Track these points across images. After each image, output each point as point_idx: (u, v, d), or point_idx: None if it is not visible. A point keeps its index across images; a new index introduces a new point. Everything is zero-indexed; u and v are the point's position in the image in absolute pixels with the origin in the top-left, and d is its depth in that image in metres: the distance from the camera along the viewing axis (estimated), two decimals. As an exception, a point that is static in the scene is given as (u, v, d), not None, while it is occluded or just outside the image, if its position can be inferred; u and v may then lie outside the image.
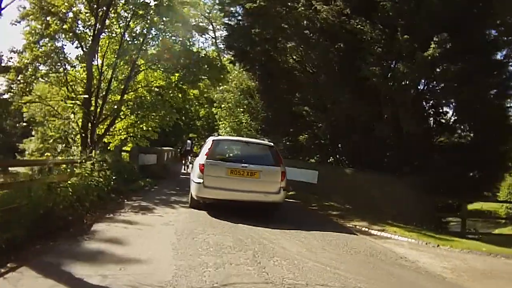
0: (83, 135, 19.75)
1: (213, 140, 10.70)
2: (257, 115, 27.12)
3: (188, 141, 29.14)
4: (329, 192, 16.99)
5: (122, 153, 20.96)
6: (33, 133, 34.19)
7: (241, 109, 29.00)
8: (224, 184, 9.82)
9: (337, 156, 20.32)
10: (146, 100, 22.53)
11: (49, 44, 21.16)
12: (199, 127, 49.01)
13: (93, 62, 20.86)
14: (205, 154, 10.20)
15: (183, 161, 28.10)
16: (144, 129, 23.69)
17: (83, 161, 11.17)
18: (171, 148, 34.05)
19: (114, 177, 12.83)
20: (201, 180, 9.92)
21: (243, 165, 9.96)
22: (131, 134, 24.03)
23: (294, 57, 19.18)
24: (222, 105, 31.70)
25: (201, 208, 10.41)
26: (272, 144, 11.13)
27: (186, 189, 13.32)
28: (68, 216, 8.11)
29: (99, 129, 21.83)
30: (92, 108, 20.49)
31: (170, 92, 23.38)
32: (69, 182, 9.47)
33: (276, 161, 10.35)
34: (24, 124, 42.82)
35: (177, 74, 22.47)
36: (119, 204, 11.32)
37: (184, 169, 26.45)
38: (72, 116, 21.12)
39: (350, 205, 15.46)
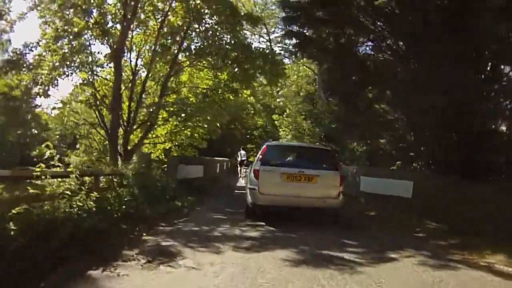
0: (113, 144, 16.31)
1: (267, 145, 10.47)
2: (320, 121, 26.19)
3: (242, 151, 27.12)
4: (429, 209, 11.67)
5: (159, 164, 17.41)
6: (77, 145, 32.37)
7: (303, 116, 27.28)
8: (281, 190, 9.32)
9: (428, 161, 15.61)
10: (190, 102, 18.60)
11: (74, 43, 17.84)
12: (256, 137, 45.83)
13: (123, 58, 17.74)
14: (260, 160, 9.80)
15: (239, 173, 26.09)
16: (189, 135, 19.92)
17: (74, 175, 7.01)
18: (226, 159, 30.72)
19: (126, 198, 8.86)
20: (256, 187, 9.45)
21: (299, 170, 9.41)
22: (176, 143, 20.32)
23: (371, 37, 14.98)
24: (284, 113, 29.73)
25: (258, 219, 9.56)
26: (329, 148, 11.19)
27: (240, 211, 10.92)
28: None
29: (135, 137, 18.44)
30: (124, 114, 17.29)
31: (219, 92, 19.46)
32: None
33: (334, 165, 9.88)
34: (35, 132, 41.15)
35: (226, 72, 18.66)
36: (129, 241, 7.09)
37: (238, 177, 24.74)
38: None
39: (461, 228, 9.96)
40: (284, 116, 30.33)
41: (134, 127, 17.83)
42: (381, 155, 17.27)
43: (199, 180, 16.93)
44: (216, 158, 23.75)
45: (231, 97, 20.27)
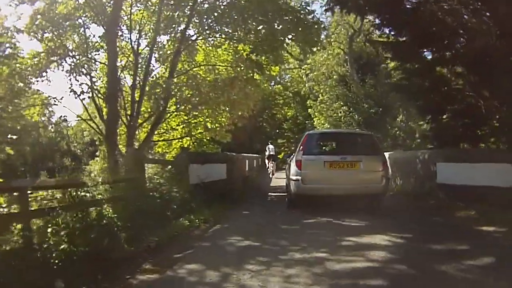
0: (111, 142, 12.17)
1: (308, 134, 9.95)
2: (357, 106, 24.68)
3: (270, 145, 24.57)
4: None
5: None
6: (97, 153, 29.59)
7: (339, 102, 25.10)
8: (324, 178, 8.74)
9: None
10: (203, 82, 13.96)
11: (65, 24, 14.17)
12: (286, 130, 41.88)
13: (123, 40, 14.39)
14: (301, 150, 9.17)
15: (267, 168, 24.09)
16: (208, 126, 15.41)
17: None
18: (256, 155, 27.55)
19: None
20: (299, 177, 8.86)
21: (342, 156, 8.87)
22: (194, 139, 16.32)
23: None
24: (318, 100, 27.10)
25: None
26: (369, 132, 10.98)
27: (278, 228, 7.61)
28: None
29: (143, 133, 14.75)
30: (127, 104, 13.53)
31: (241, 68, 14.59)
32: None
33: (375, 150, 9.28)
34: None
35: (247, 43, 14.21)
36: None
37: (270, 177, 21.69)
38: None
39: None
40: (317, 102, 27.45)
41: (140, 120, 14.21)
42: (442, 134, 13.00)
43: (221, 183, 12.19)
44: (245, 155, 19.85)
45: (256, 76, 15.39)
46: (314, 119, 28.24)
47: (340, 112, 25.32)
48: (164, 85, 13.05)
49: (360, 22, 29.00)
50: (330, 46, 30.13)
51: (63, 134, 37.79)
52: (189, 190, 9.37)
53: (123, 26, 14.35)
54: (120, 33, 14.28)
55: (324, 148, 10.22)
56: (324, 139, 10.68)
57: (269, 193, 14.31)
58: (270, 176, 22.47)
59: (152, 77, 14.55)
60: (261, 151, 31.32)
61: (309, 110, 28.58)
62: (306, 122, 35.30)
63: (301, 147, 9.27)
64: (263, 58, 14.68)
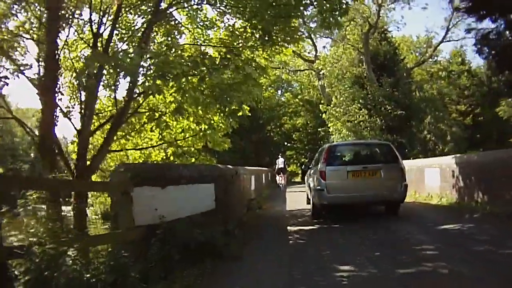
0: (47, 152, 7.80)
1: (329, 146, 9.87)
2: (378, 108, 22.56)
3: (280, 158, 23.18)
4: None
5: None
6: None
7: (357, 104, 22.54)
8: (347, 187, 8.73)
9: None
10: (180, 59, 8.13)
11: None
12: (296, 141, 37.70)
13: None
14: (324, 161, 9.06)
15: (278, 184, 22.32)
16: (192, 127, 10.84)
17: None
18: (265, 169, 23.95)
19: None
20: (323, 187, 8.81)
21: (363, 166, 8.88)
22: (175, 149, 11.02)
23: None
24: (332, 102, 23.82)
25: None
26: (387, 142, 11.23)
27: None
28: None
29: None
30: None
31: (240, 48, 9.46)
32: None
33: (394, 158, 9.09)
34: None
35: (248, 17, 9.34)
36: None
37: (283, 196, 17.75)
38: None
39: None
40: (332, 106, 23.93)
41: (96, 123, 9.75)
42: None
43: (207, 217, 6.34)
44: (250, 168, 15.03)
45: (262, 60, 10.44)
46: (329, 125, 24.21)
47: (360, 116, 22.42)
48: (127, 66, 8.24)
49: (376, 17, 25.17)
50: (343, 43, 26.25)
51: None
52: (132, 240, 4.58)
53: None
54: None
55: (345, 158, 9.95)
56: (344, 150, 10.42)
57: (288, 226, 8.66)
58: (283, 193, 18.82)
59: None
60: (270, 165, 29.26)
61: (323, 115, 24.22)
62: (320, 130, 31.41)
63: (324, 158, 9.20)
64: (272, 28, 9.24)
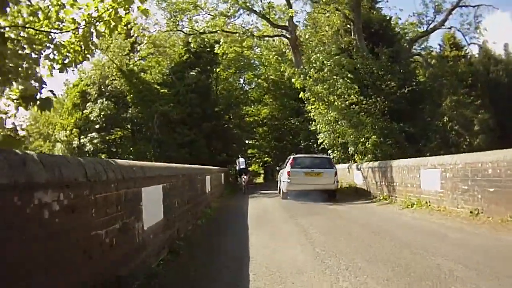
0: None
1: (293, 157, 17.55)
2: (379, 85, 20.30)
3: (241, 159, 24.86)
4: None
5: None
6: None
7: (345, 80, 20.09)
8: (303, 181, 16.22)
9: None
10: None
11: None
12: (258, 137, 36.83)
13: None
14: (290, 165, 16.68)
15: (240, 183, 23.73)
16: None
17: None
18: (223, 169, 23.15)
19: None
20: (289, 180, 16.34)
21: (312, 169, 16.46)
22: None
23: None
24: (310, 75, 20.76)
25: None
26: (328, 156, 19.08)
27: None
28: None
29: None
30: None
31: None
32: None
33: (331, 165, 16.81)
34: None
35: None
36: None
37: (244, 191, 21.60)
38: None
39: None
40: (311, 81, 20.68)
41: None
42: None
43: None
44: (198, 167, 12.34)
45: None
46: (309, 108, 21.63)
47: (352, 95, 20.01)
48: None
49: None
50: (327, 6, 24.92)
51: None
52: None
53: None
54: None
55: (302, 164, 16.94)
56: (302, 159, 17.56)
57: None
58: (244, 190, 21.47)
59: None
60: (228, 163, 29.01)
61: (301, 94, 21.40)
62: (292, 120, 29.78)
63: (290, 163, 16.75)
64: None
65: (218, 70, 31.63)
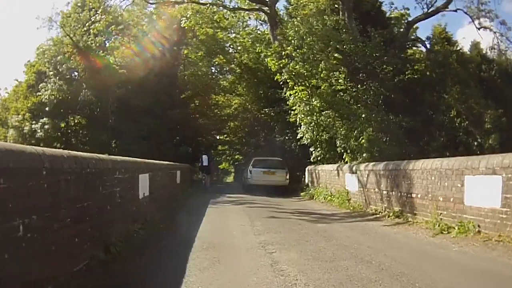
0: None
1: (254, 159, 21.83)
2: (372, 69, 17.09)
3: (204, 156, 25.31)
4: None
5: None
6: None
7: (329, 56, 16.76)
8: (261, 177, 20.34)
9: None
10: None
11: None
12: (229, 133, 35.15)
13: None
14: (252, 165, 21.12)
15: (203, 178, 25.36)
16: None
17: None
18: (182, 166, 19.59)
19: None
20: (250, 177, 20.72)
21: (268, 169, 20.57)
22: None
23: None
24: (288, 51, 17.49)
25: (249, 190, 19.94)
26: (281, 158, 22.08)
27: None
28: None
29: None
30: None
31: None
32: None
33: (284, 166, 21.01)
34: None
35: None
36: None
37: (205, 184, 24.36)
38: None
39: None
40: (291, 61, 17.31)
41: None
42: None
43: None
44: (147, 161, 9.79)
45: None
46: (288, 94, 18.18)
47: (340, 80, 16.88)
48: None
49: None
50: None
51: None
52: None
53: None
54: None
55: (261, 165, 21.13)
56: (261, 161, 21.63)
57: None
58: (205, 188, 22.58)
59: None
60: (196, 159, 26.96)
61: (277, 76, 18.26)
62: (266, 110, 25.89)
63: (252, 164, 21.22)
64: None
65: (186, 52, 27.34)
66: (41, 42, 27.86)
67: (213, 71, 32.26)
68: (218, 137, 36.19)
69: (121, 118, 23.19)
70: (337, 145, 15.47)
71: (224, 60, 30.09)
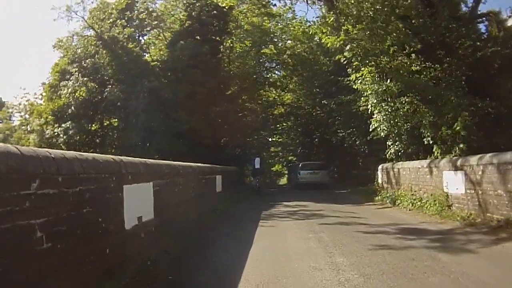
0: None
1: (302, 163, 26.64)
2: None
3: (257, 158, 24.86)
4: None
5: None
6: None
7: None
8: (307, 178, 24.91)
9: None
10: None
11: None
12: (280, 130, 33.49)
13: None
14: (299, 168, 25.97)
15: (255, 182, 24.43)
16: None
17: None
18: (215, 167, 14.59)
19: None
20: (299, 177, 25.39)
21: (312, 170, 25.20)
22: None
23: None
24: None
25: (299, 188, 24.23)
26: (323, 162, 26.98)
27: None
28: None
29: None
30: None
31: None
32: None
33: (325, 167, 26.04)
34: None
35: None
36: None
37: (257, 189, 23.43)
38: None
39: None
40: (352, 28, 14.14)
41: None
42: None
43: None
44: (149, 162, 6.02)
45: None
46: (354, 77, 14.84)
47: (417, 60, 13.50)
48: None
49: None
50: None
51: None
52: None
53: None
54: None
55: (306, 167, 25.76)
56: (306, 165, 26.20)
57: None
58: (257, 190, 22.56)
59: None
60: (246, 161, 27.53)
61: (339, 56, 15.07)
62: (323, 104, 25.20)
63: (299, 167, 26.35)
64: None
65: (229, 42, 24.28)
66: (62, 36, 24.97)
67: (261, 63, 28.93)
68: (270, 139, 35.45)
69: (153, 115, 20.06)
70: (423, 136, 12.09)
71: (275, 51, 26.87)
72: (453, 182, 9.38)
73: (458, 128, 11.07)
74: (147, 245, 5.08)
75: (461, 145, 11.00)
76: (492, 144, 11.43)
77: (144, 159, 5.76)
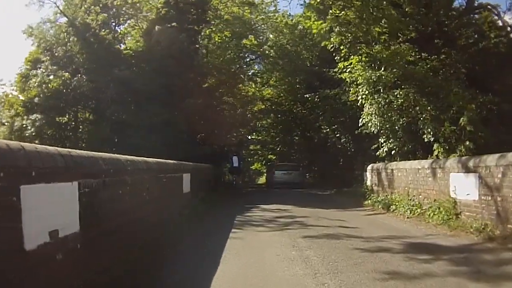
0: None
1: (276, 164, 30.59)
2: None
3: (234, 156, 25.75)
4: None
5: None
6: None
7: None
8: (282, 178, 26.68)
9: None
10: None
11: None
12: (261, 131, 34.21)
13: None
14: (275, 168, 28.83)
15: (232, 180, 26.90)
16: None
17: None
18: (182, 164, 12.56)
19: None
20: (275, 177, 27.36)
21: (287, 171, 27.06)
22: None
23: None
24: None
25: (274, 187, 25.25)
26: (297, 163, 30.46)
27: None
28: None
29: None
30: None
31: None
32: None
33: (299, 168, 28.79)
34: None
35: None
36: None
37: (233, 184, 26.42)
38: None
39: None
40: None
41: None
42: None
43: None
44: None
45: None
46: (341, 66, 13.76)
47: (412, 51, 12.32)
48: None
49: None
50: None
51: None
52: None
53: None
54: None
55: (281, 168, 27.95)
56: (280, 165, 29.00)
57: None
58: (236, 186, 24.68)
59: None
60: (223, 158, 26.36)
61: (325, 42, 14.16)
62: (307, 96, 24.11)
63: (275, 167, 29.41)
64: None
65: (208, 31, 22.75)
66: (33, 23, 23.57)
67: (241, 57, 27.56)
68: (249, 137, 34.61)
69: (124, 107, 18.48)
70: (422, 132, 10.70)
71: (255, 42, 25.34)
72: (463, 186, 7.87)
73: (464, 123, 9.55)
74: (68, 269, 3.41)
75: (468, 143, 9.51)
76: (500, 142, 10.30)
77: (68, 149, 4.08)
